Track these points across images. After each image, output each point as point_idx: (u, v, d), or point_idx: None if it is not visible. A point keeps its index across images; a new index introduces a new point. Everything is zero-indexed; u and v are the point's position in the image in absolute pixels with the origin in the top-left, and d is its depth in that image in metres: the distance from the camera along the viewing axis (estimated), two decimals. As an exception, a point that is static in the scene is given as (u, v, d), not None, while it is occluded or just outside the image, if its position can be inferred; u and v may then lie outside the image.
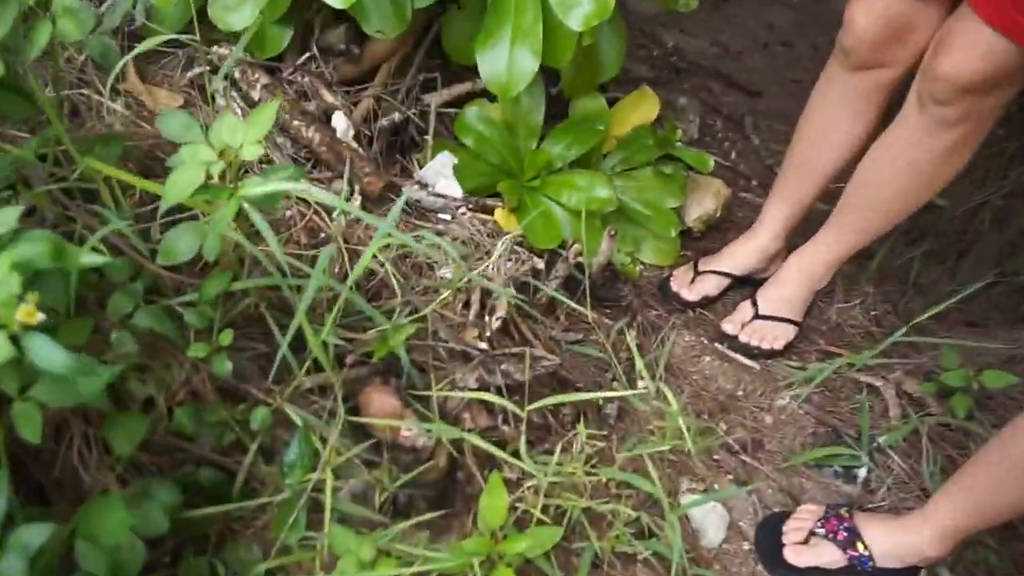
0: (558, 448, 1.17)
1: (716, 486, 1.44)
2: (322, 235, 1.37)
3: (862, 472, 1.48)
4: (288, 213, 1.38)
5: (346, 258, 1.34)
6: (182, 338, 1.04)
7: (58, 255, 0.69)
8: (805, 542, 1.30)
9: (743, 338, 1.73)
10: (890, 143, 1.50)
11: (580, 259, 1.62)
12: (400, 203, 1.00)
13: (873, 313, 1.88)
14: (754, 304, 1.77)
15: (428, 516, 1.09)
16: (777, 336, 1.73)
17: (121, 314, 0.99)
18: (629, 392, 1.01)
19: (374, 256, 1.38)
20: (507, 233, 1.51)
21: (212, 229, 0.86)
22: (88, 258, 0.73)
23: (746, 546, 1.35)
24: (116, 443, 0.84)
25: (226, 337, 1.02)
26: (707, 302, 1.85)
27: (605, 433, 1.44)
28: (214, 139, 0.88)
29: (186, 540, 1.01)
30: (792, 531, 1.32)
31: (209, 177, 0.89)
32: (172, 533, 1.01)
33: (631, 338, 1.47)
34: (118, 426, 0.85)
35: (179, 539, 1.00)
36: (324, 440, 1.10)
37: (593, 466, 1.36)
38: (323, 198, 0.86)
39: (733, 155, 2.34)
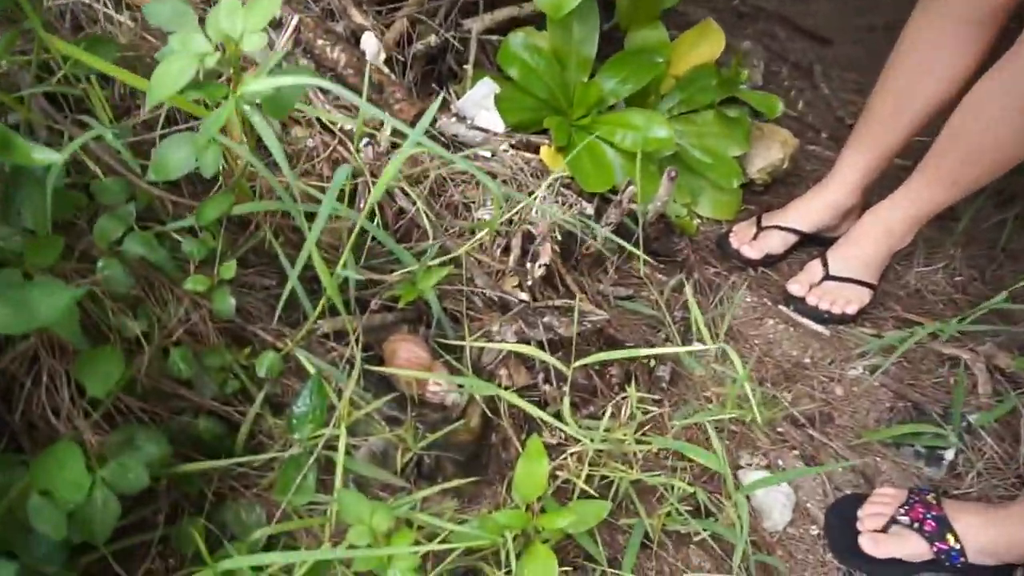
0: (607, 412, 1.02)
1: (780, 462, 1.28)
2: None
3: (949, 454, 1.31)
4: (310, 143, 1.23)
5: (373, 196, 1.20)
6: (181, 271, 0.91)
7: (3, 147, 0.56)
8: (884, 530, 1.14)
9: (811, 300, 1.55)
10: (999, 82, 1.29)
11: (633, 205, 1.45)
12: (432, 109, 0.84)
13: (958, 279, 1.68)
14: (824, 264, 1.59)
15: (457, 482, 0.96)
16: (850, 299, 1.55)
17: (109, 239, 0.86)
18: (688, 348, 0.85)
19: (404, 192, 1.24)
20: (553, 173, 1.35)
21: (205, 132, 0.72)
22: (41, 154, 0.60)
23: (814, 531, 1.19)
24: (89, 384, 0.71)
25: (228, 270, 0.89)
26: (771, 261, 1.67)
27: (657, 398, 1.29)
28: (211, 29, 0.74)
29: (181, 498, 0.89)
30: (869, 517, 1.15)
31: (209, 75, 0.75)
32: (166, 490, 0.89)
33: (689, 294, 1.30)
34: (92, 364, 0.72)
35: (173, 496, 0.88)
36: (340, 392, 0.97)
37: (643, 434, 1.21)
38: (344, 94, 0.71)
39: (800, 105, 2.13)
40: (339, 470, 0.82)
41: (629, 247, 1.13)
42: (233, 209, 0.86)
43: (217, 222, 0.90)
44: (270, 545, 0.88)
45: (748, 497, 1.20)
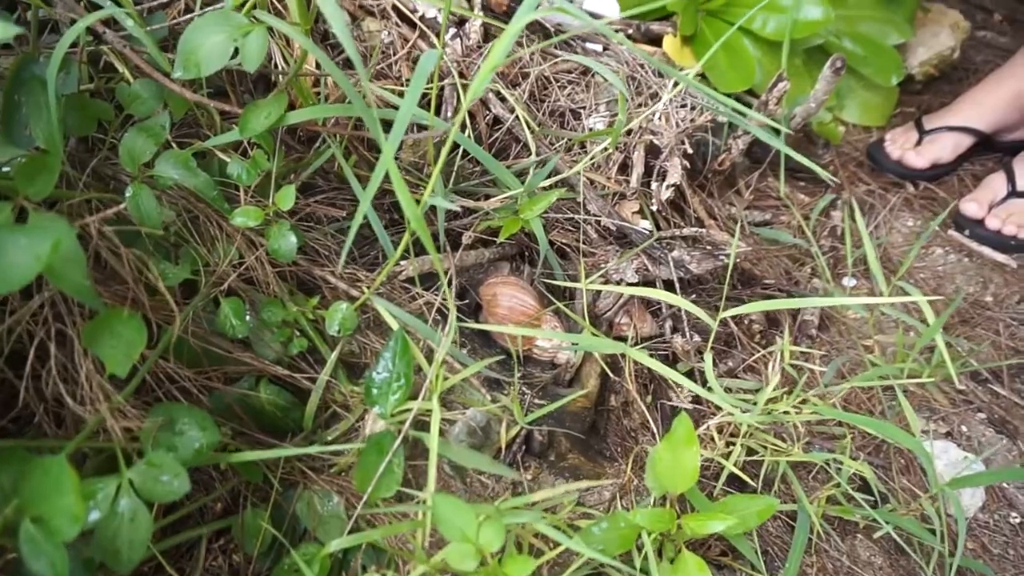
0: (772, 377, 0.79)
1: (964, 428, 1.03)
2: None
3: None
4: (384, 38, 1.00)
5: (463, 98, 0.97)
6: (229, 202, 0.71)
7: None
8: (1113, 522, 0.89)
9: (992, 223, 1.26)
10: None
11: (781, 108, 1.17)
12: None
13: None
14: (1009, 176, 1.28)
15: (571, 462, 0.76)
16: (1044, 223, 1.25)
17: (138, 161, 0.67)
18: (871, 300, 0.61)
19: (500, 97, 1.01)
20: (681, 70, 1.09)
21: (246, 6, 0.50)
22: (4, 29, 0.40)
23: (1015, 518, 0.96)
24: (106, 358, 0.53)
25: (286, 198, 0.68)
26: (938, 172, 1.37)
27: (805, 349, 1.05)
28: None
29: (241, 485, 0.72)
30: (1093, 504, 0.91)
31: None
32: (222, 475, 0.73)
33: (847, 217, 1.04)
34: (107, 331, 0.54)
35: (232, 482, 0.72)
36: (429, 351, 0.77)
37: (802, 401, 0.98)
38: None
39: (966, -20, 1.76)
40: (432, 461, 0.62)
41: (786, 150, 0.86)
42: (289, 117, 0.65)
43: (270, 136, 0.70)
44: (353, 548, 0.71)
45: (921, 471, 0.97)
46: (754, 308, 0.77)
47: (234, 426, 0.72)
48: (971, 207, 1.28)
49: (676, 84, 1.06)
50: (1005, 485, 0.99)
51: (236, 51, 0.61)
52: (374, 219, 0.74)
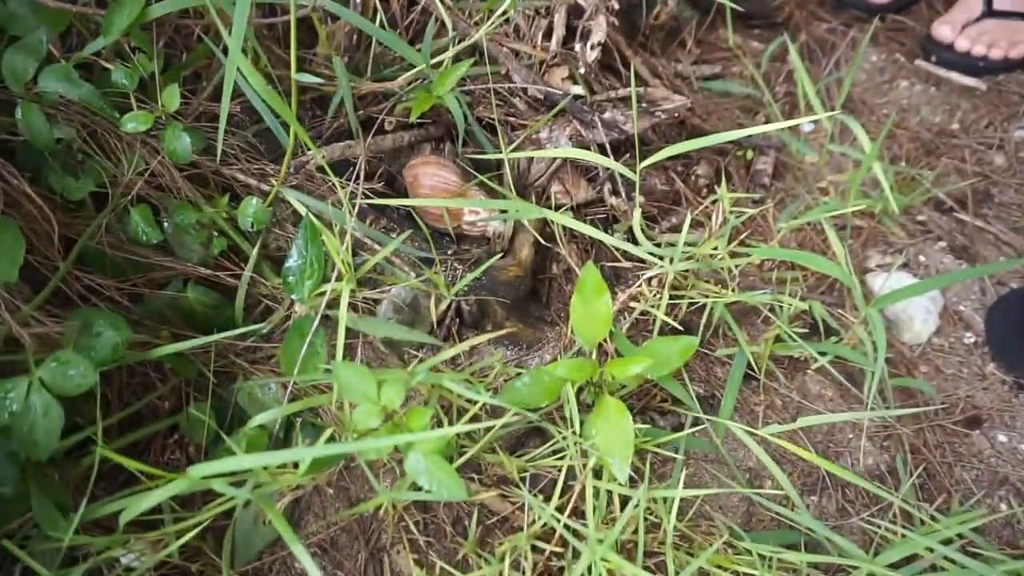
0: (686, 222, 0.79)
1: (922, 258, 1.02)
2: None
3: None
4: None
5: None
6: (120, 111, 0.72)
7: None
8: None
9: (962, 45, 1.20)
10: None
11: (713, -50, 1.12)
12: None
13: None
14: (983, -6, 1.21)
15: (501, 332, 0.78)
16: (1017, 40, 1.18)
17: (22, 80, 0.68)
18: (790, 123, 0.60)
19: (411, -24, 0.98)
20: (601, -79, 1.03)
21: None
22: None
23: (969, 338, 0.95)
24: (-6, 268, 0.56)
25: (172, 97, 0.69)
26: (906, 1, 1.30)
27: (758, 197, 1.04)
28: None
29: (183, 383, 0.76)
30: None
31: None
32: (171, 373, 0.77)
33: (794, 57, 1.00)
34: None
35: (174, 382, 0.76)
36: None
37: (742, 244, 0.97)
38: None
39: None
40: (341, 333, 0.65)
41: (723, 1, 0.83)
42: (151, 12, 0.64)
43: (147, 37, 0.70)
44: (291, 426, 0.75)
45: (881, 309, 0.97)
46: (667, 152, 0.76)
47: (172, 329, 0.76)
48: (943, 30, 1.22)
49: (597, -63, 1.01)
50: (962, 307, 0.98)
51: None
52: (258, 99, 0.73)
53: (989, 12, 1.19)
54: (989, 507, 0.83)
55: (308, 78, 0.65)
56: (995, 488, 0.86)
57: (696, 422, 0.82)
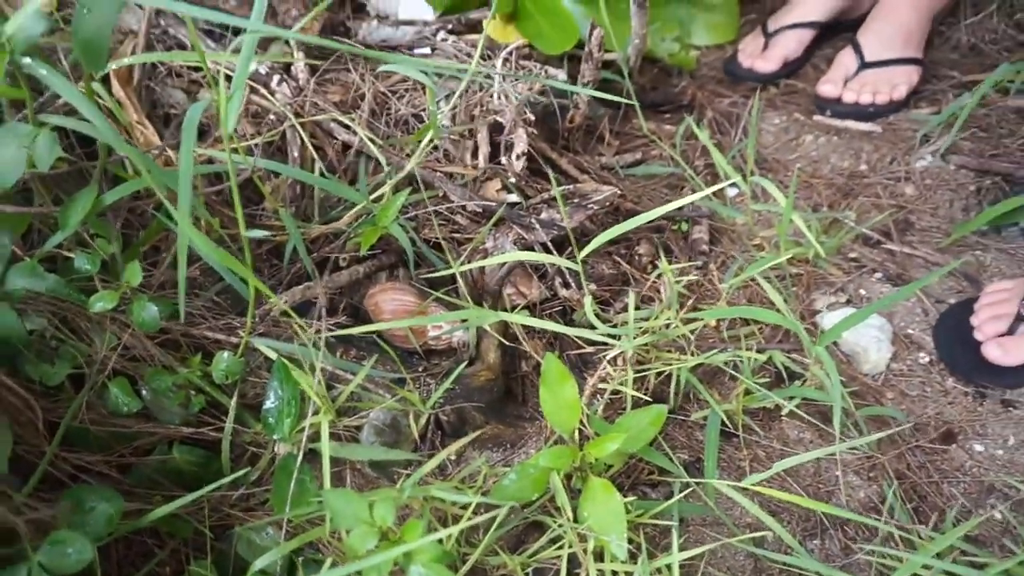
0: (630, 300, 0.84)
1: (863, 291, 1.08)
2: (271, 116, 1.05)
3: (1062, 220, 1.08)
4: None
5: (304, 138, 1.02)
6: (87, 294, 0.76)
7: None
8: (1010, 332, 0.94)
9: (849, 97, 1.32)
10: None
11: (610, 55, 1.23)
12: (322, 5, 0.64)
13: (1018, 16, 1.41)
14: (857, 50, 1.34)
15: (477, 433, 0.80)
16: (896, 83, 1.31)
17: (-10, 283, 0.72)
18: (708, 191, 0.66)
19: (343, 125, 1.06)
20: (506, 47, 1.14)
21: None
22: None
23: (924, 358, 1.00)
24: (-15, 462, 0.58)
25: (134, 273, 0.73)
26: (791, 68, 1.43)
27: (699, 264, 1.10)
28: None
29: (181, 545, 0.76)
30: (987, 321, 0.95)
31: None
32: (168, 536, 0.77)
33: (704, 136, 1.09)
34: (-27, 439, 0.58)
35: (172, 545, 0.76)
36: (328, 374, 0.82)
37: (694, 310, 1.03)
38: (232, 22, 0.53)
39: None
40: (325, 463, 0.67)
41: (621, 100, 0.91)
42: (103, 200, 0.70)
43: (104, 223, 0.75)
44: (293, 565, 0.75)
45: (836, 343, 1.02)
46: (601, 238, 0.81)
47: (163, 493, 0.77)
48: (827, 88, 1.34)
49: (504, 61, 1.11)
50: (910, 331, 1.04)
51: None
52: (221, 267, 0.78)
53: (863, 65, 1.31)
54: (984, 516, 0.85)
55: (258, 233, 0.70)
56: (984, 497, 0.88)
57: (685, 487, 0.84)
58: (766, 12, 1.56)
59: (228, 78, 1.05)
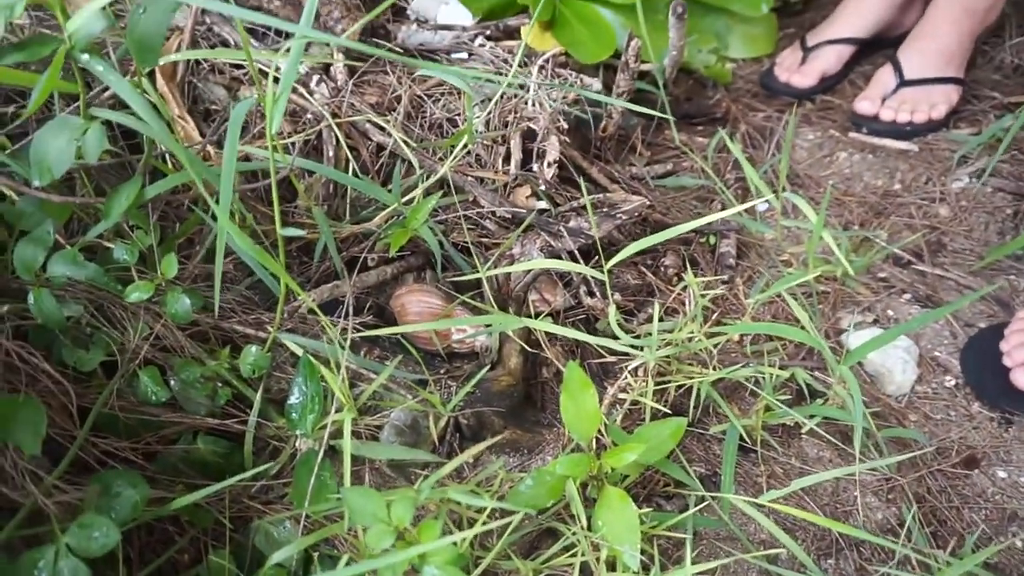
0: (655, 311, 0.84)
1: (891, 312, 1.07)
2: (308, 116, 1.07)
3: (1099, 248, 1.06)
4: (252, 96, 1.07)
5: (340, 138, 1.04)
6: (123, 284, 0.78)
7: None
8: (1039, 360, 0.93)
9: (887, 115, 1.30)
10: None
11: (646, 65, 1.23)
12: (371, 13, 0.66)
13: (1064, 39, 1.38)
14: (896, 68, 1.33)
15: (497, 438, 0.81)
16: (935, 102, 1.29)
17: (33, 268, 0.74)
18: (740, 207, 0.67)
19: (379, 126, 1.07)
20: (543, 54, 1.15)
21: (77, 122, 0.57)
22: None
23: (950, 381, 0.99)
24: (20, 441, 0.60)
25: (170, 265, 0.75)
26: (829, 84, 1.41)
27: (726, 278, 1.10)
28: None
29: (201, 533, 0.78)
30: (1017, 347, 0.94)
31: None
32: (189, 525, 0.79)
33: (736, 150, 1.09)
34: (10, 421, 0.60)
35: (193, 533, 0.78)
36: (353, 372, 0.83)
37: (718, 324, 1.02)
38: (278, 25, 0.54)
39: None
40: (347, 460, 0.68)
41: (655, 113, 0.91)
42: (147, 193, 0.72)
43: (143, 215, 0.77)
44: (309, 560, 0.77)
45: (861, 362, 1.01)
46: (630, 250, 0.82)
47: (186, 481, 0.79)
48: (864, 105, 1.32)
49: (540, 69, 1.12)
50: (937, 353, 1.02)
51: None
52: (253, 263, 0.80)
53: (902, 83, 1.30)
54: (1005, 544, 0.84)
55: (292, 231, 0.71)
56: (1006, 524, 0.87)
57: (700, 501, 0.84)
58: (805, 26, 1.55)
59: (266, 75, 1.08)
